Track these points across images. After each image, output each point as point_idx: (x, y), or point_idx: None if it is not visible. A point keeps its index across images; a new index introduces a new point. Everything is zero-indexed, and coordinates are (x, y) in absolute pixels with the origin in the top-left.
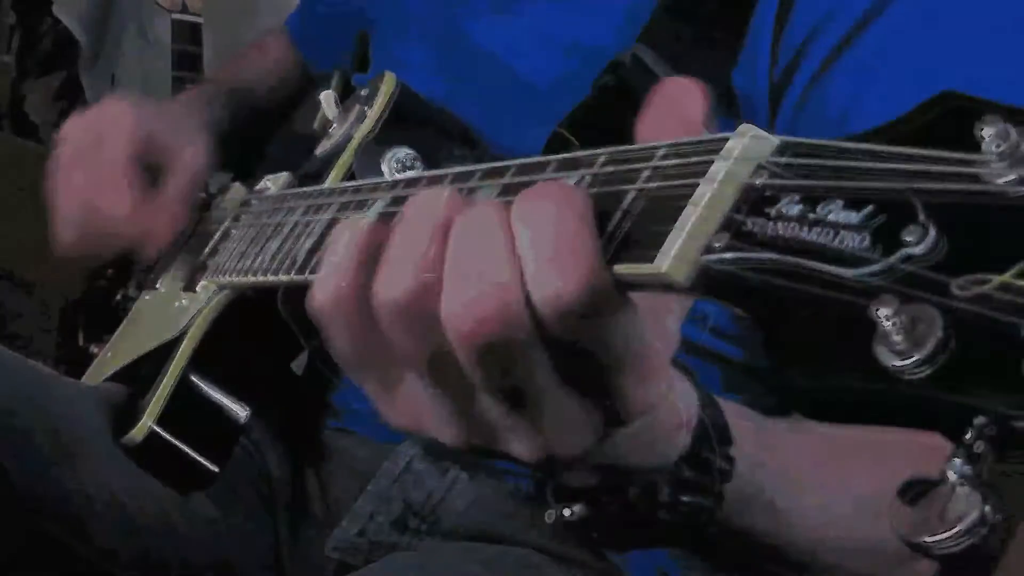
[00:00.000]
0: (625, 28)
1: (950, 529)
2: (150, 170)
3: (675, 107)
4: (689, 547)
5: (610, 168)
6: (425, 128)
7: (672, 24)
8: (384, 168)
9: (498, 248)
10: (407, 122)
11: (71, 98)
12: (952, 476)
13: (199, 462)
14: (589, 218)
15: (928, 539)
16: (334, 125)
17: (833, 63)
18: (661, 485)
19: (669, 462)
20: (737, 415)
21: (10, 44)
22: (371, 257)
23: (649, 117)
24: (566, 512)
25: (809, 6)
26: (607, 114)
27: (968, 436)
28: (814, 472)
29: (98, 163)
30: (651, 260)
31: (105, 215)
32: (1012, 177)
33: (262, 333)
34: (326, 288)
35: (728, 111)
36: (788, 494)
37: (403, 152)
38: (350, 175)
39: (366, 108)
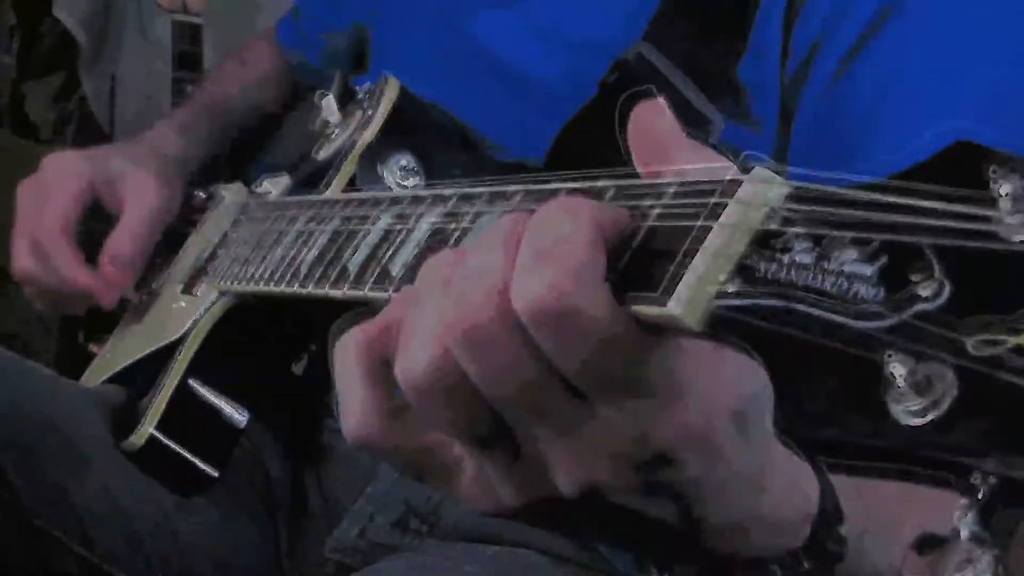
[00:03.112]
0: (627, 22)
1: None
2: (105, 219)
3: (650, 135)
4: None
5: (619, 203)
6: (426, 133)
7: (676, 20)
8: (386, 175)
9: (496, 252)
10: (409, 128)
11: (71, 98)
12: (964, 534)
13: (199, 466)
14: (591, 229)
15: None
16: (335, 128)
17: (856, 57)
18: None
19: (788, 551)
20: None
21: (10, 44)
22: None
23: (637, 157)
24: None
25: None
26: (613, 114)
27: (980, 495)
28: (900, 513)
29: (42, 226)
30: (663, 303)
31: (56, 278)
32: None
33: (262, 338)
34: None
35: (735, 107)
36: (885, 547)
37: (405, 159)
38: (351, 181)
39: (368, 113)
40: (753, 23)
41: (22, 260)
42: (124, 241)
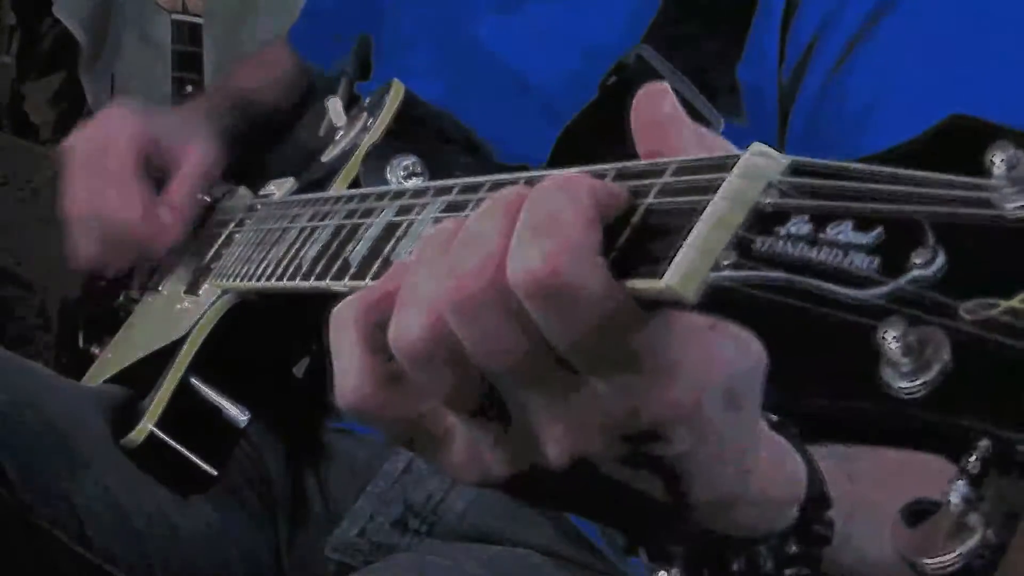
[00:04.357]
0: (629, 26)
1: (949, 552)
2: (155, 175)
3: (651, 119)
4: None
5: (619, 183)
6: (430, 136)
7: (675, 22)
8: (390, 176)
9: (494, 224)
10: (413, 130)
11: (71, 98)
12: (954, 499)
13: (199, 465)
14: (588, 206)
15: (928, 561)
16: (340, 132)
17: (849, 57)
18: (765, 558)
19: (774, 533)
20: (820, 456)
21: (10, 44)
22: None
23: (639, 141)
24: (660, 574)
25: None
26: (613, 115)
27: (971, 459)
28: (887, 498)
29: (104, 170)
30: (660, 276)
31: (116, 219)
32: (1022, 203)
33: (264, 337)
34: None
35: (734, 108)
36: (872, 535)
37: (409, 160)
38: (356, 183)
39: (373, 116)
40: (751, 24)
41: (79, 203)
42: (184, 185)
